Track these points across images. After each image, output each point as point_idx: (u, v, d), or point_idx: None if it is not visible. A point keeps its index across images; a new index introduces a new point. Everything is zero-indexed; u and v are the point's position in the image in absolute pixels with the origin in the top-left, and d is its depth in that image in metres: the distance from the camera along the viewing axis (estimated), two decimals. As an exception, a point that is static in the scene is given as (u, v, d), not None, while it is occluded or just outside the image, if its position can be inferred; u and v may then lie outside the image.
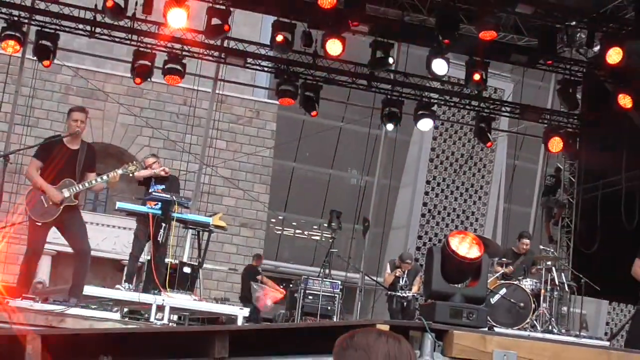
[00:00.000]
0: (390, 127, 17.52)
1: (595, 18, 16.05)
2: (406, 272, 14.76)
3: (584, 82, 17.50)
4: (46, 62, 15.95)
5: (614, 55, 15.10)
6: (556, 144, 17.58)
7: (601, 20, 16.02)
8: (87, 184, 9.32)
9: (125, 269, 12.96)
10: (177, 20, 14.89)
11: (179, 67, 16.22)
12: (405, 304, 14.33)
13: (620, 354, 5.76)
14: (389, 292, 14.85)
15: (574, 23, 16.52)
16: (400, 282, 14.60)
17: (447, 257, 6.26)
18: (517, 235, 14.46)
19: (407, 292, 14.44)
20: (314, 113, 17.15)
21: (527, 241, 14.21)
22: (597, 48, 16.53)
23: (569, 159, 18.52)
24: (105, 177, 9.53)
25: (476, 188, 32.02)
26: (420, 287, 14.65)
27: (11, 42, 15.46)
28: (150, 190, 11.89)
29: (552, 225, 18.54)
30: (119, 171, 9.71)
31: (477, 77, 16.41)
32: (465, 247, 6.22)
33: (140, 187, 12.46)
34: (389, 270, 15.26)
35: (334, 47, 15.59)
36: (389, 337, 2.86)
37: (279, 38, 15.53)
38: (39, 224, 9.04)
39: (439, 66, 16.00)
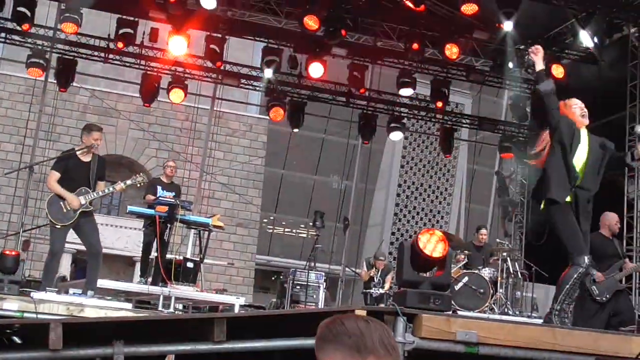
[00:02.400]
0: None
1: (540, 42, 16.13)
2: (380, 270, 14.69)
3: (532, 97, 17.58)
4: (63, 89, 16.01)
5: (557, 71, 15.23)
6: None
7: (545, 44, 16.12)
8: (100, 193, 9.29)
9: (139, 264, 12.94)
10: (178, 47, 14.93)
11: (181, 87, 16.23)
12: (378, 300, 14.24)
13: (564, 330, 5.79)
14: (364, 290, 14.81)
15: (522, 47, 16.60)
16: (374, 280, 14.57)
17: (416, 254, 6.27)
18: (475, 229, 14.45)
19: (379, 289, 14.38)
20: (296, 130, 17.35)
21: (484, 231, 14.20)
22: (542, 68, 16.65)
23: (521, 164, 18.57)
24: (117, 186, 9.50)
25: (441, 190, 32.04)
26: (391, 285, 14.58)
27: (35, 69, 15.57)
28: (158, 196, 11.86)
29: (507, 222, 18.59)
30: (128, 182, 9.69)
31: (439, 104, 16.81)
32: (431, 246, 6.23)
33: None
34: (365, 268, 15.22)
35: (316, 70, 15.72)
36: (375, 322, 2.69)
37: (268, 74, 15.77)
38: (59, 226, 9.01)
39: (405, 91, 16.35)
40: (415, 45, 15.23)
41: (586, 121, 7.29)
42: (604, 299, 10.02)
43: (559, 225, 7.15)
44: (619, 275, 10.23)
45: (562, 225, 7.12)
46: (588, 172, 7.16)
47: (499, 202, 19.21)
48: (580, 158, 7.17)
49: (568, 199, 7.08)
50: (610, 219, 10.33)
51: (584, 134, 7.27)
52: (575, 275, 6.97)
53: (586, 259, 6.94)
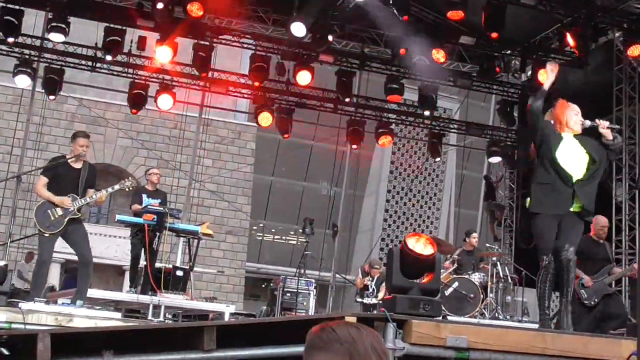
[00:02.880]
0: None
1: (527, 47, 16.22)
2: (375, 278, 14.57)
3: (519, 102, 17.63)
4: (52, 97, 15.93)
5: (543, 77, 15.28)
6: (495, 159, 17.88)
7: (531, 49, 16.20)
8: (88, 199, 9.25)
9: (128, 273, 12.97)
10: (164, 55, 14.92)
11: (169, 95, 16.19)
12: (372, 308, 14.12)
13: (553, 334, 5.80)
14: (357, 299, 14.73)
15: (509, 52, 16.65)
16: (369, 288, 14.43)
17: (406, 256, 6.27)
18: (465, 234, 14.41)
19: (373, 298, 14.26)
20: (286, 135, 17.27)
21: (475, 235, 14.22)
22: (529, 73, 16.76)
23: (509, 168, 18.60)
24: (104, 191, 9.46)
25: (430, 195, 32.09)
26: (385, 294, 14.40)
27: (23, 77, 15.45)
28: (144, 205, 11.83)
29: (495, 226, 18.58)
30: (117, 187, 9.67)
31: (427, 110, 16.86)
32: (420, 246, 6.25)
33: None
34: (360, 276, 15.15)
35: (303, 77, 15.72)
36: (366, 329, 2.66)
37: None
38: (47, 235, 8.97)
39: (394, 98, 16.43)
40: (402, 51, 15.24)
41: (579, 130, 7.28)
42: (592, 302, 10.05)
43: (533, 229, 7.20)
44: (607, 279, 10.26)
45: (535, 230, 7.18)
46: (587, 175, 7.14)
47: (485, 206, 19.20)
48: (580, 165, 7.14)
49: (554, 211, 7.07)
50: (596, 223, 10.32)
51: (570, 138, 7.26)
52: (541, 277, 7.04)
53: (545, 259, 7.00)
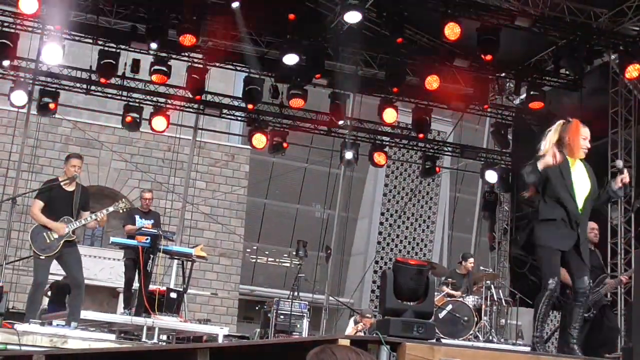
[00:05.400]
0: (349, 154, 17.41)
1: (521, 70, 16.29)
2: (368, 327, 14.42)
3: (514, 125, 17.69)
4: (52, 105, 15.72)
5: (536, 105, 15.42)
6: (492, 176, 17.79)
7: (526, 71, 16.26)
8: (83, 221, 9.28)
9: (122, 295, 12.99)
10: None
11: (163, 117, 16.22)
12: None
13: (549, 357, 5.81)
14: None
15: (503, 74, 16.72)
16: None
17: (400, 271, 6.31)
18: (461, 258, 14.39)
19: None
20: (285, 144, 17.22)
21: (472, 259, 14.22)
22: (523, 95, 16.80)
23: (503, 191, 18.59)
24: (99, 214, 9.48)
25: (424, 218, 32.11)
26: None
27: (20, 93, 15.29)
28: (137, 226, 11.87)
29: (490, 251, 18.54)
30: (111, 208, 9.68)
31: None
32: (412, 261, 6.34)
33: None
34: (352, 325, 15.03)
35: (297, 102, 15.83)
36: (364, 354, 2.69)
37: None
38: (43, 257, 8.98)
39: (389, 115, 16.28)
40: (396, 74, 15.30)
41: (582, 155, 7.23)
42: (590, 315, 9.97)
43: (537, 255, 7.13)
44: (603, 289, 10.21)
45: (539, 255, 7.10)
46: (587, 206, 7.14)
47: (486, 215, 19.01)
48: (582, 192, 7.11)
49: (560, 247, 7.02)
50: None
51: (580, 166, 7.20)
52: (542, 299, 6.92)
53: (551, 281, 6.90)
